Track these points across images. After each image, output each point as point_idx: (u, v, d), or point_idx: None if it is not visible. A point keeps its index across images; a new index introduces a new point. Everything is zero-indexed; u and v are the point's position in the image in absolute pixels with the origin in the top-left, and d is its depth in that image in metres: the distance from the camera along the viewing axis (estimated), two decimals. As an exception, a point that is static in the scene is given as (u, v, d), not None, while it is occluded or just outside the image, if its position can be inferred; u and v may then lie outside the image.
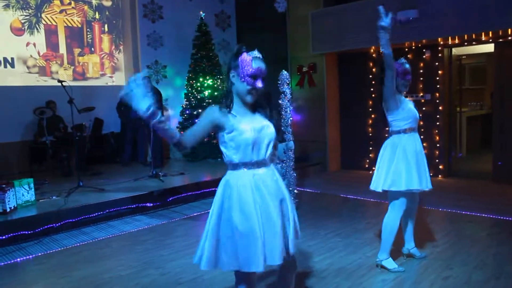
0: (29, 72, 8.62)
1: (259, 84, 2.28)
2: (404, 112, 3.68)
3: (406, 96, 3.85)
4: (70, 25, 9.15)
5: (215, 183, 6.81)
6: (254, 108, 2.38)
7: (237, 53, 2.32)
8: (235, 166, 2.31)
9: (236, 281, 2.41)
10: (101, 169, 8.15)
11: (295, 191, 6.05)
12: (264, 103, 2.41)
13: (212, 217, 2.35)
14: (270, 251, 2.22)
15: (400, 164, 3.61)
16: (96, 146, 8.94)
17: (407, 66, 3.71)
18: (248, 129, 2.25)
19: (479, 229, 4.87)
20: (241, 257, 2.23)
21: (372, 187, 3.77)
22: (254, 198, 2.25)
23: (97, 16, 9.55)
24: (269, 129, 2.34)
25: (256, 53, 2.35)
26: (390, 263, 3.77)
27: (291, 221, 2.37)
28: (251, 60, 2.28)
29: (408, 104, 3.74)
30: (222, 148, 2.36)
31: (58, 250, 4.74)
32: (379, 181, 3.69)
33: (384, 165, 3.71)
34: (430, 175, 3.81)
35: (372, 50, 8.32)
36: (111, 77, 9.71)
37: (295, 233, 2.40)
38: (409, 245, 4.03)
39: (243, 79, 2.27)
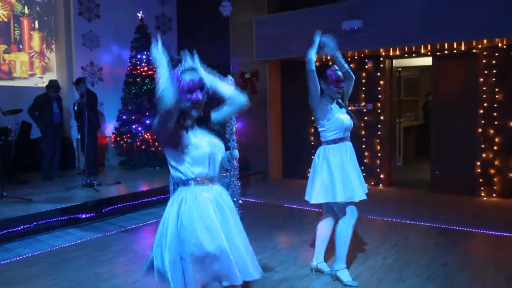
0: None
1: (198, 95, 2.13)
2: (330, 122, 3.60)
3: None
4: (-6, 19, 8.41)
5: (154, 192, 6.57)
6: (199, 123, 2.25)
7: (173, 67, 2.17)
8: (190, 183, 2.15)
9: None
10: (28, 178, 7.50)
11: (240, 201, 5.84)
12: (206, 117, 2.28)
13: (167, 237, 2.13)
14: (243, 267, 2.13)
15: (324, 176, 3.56)
16: (23, 152, 8.22)
17: (340, 73, 3.62)
18: (203, 143, 2.16)
19: (426, 239, 4.91)
20: (219, 273, 2.13)
21: (306, 197, 3.71)
22: (214, 212, 2.14)
23: (26, 10, 8.85)
24: (220, 144, 2.26)
25: (187, 65, 2.17)
26: (344, 275, 3.65)
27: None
28: (181, 74, 2.13)
29: (336, 114, 3.61)
30: (174, 163, 2.16)
31: (-25, 270, 4.20)
32: (310, 193, 3.65)
33: (312, 176, 3.68)
34: (365, 184, 3.70)
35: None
36: (41, 77, 9.02)
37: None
38: (318, 259, 3.91)
39: (181, 96, 2.11)
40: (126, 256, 4.53)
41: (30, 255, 4.62)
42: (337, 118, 3.60)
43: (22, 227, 5.19)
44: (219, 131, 2.32)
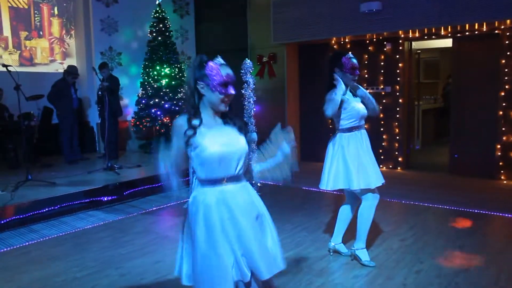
0: (-30, 56, 7.99)
1: (232, 91, 2.15)
2: (346, 111, 3.62)
3: (366, 89, 3.79)
4: (15, 5, 8.52)
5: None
6: (224, 117, 2.24)
7: (201, 63, 2.16)
8: (202, 183, 2.18)
9: None
10: (51, 161, 7.68)
11: (258, 184, 5.90)
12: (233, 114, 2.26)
13: (184, 233, 2.29)
14: (254, 266, 2.11)
15: (340, 164, 3.61)
16: (45, 137, 8.41)
17: (355, 61, 3.62)
18: (212, 144, 2.11)
19: (443, 221, 4.91)
20: (203, 277, 2.12)
21: (321, 186, 3.75)
22: (221, 216, 2.11)
23: (45, -3, 8.95)
24: (239, 143, 2.17)
25: (221, 60, 2.19)
26: (363, 254, 3.71)
27: (269, 237, 2.23)
28: (219, 68, 2.13)
29: (352, 103, 3.63)
30: (191, 162, 2.21)
31: (3, 250, 4.36)
32: (326, 181, 3.70)
33: (328, 164, 3.71)
34: (380, 171, 3.72)
35: (333, 42, 8.26)
36: (61, 63, 9.15)
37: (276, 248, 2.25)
38: (336, 240, 3.95)
39: (214, 89, 2.12)
40: (147, 237, 4.64)
41: (55, 236, 4.77)
42: (353, 107, 3.63)
43: (47, 209, 5.35)
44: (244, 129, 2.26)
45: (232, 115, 2.25)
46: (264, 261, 2.12)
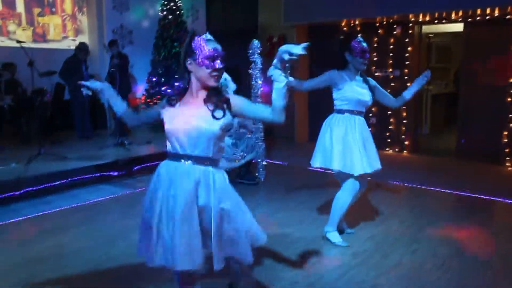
0: (-16, 31, 8.12)
1: (218, 65, 2.17)
2: (340, 92, 3.66)
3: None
4: (28, -18, 8.60)
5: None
6: (209, 97, 2.21)
7: (190, 40, 2.20)
8: (167, 155, 2.28)
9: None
10: (63, 137, 7.86)
11: (264, 163, 6.03)
12: (220, 96, 2.22)
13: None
14: (170, 252, 2.14)
15: (326, 142, 3.70)
16: (58, 113, 8.57)
17: (365, 44, 3.62)
18: (171, 120, 2.19)
19: (444, 205, 5.01)
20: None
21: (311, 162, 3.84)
22: (164, 190, 2.18)
23: (58, -27, 9.01)
24: (202, 125, 2.13)
25: (208, 36, 2.24)
26: (335, 237, 3.81)
27: (213, 234, 2.16)
28: (205, 42, 2.17)
29: (352, 86, 3.62)
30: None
31: (18, 220, 4.55)
32: (313, 158, 3.83)
33: (317, 142, 3.82)
34: (369, 160, 3.66)
35: (343, 24, 8.25)
36: (73, 40, 9.25)
37: (219, 247, 2.19)
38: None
39: (201, 63, 2.16)
40: (155, 211, 4.79)
41: (67, 207, 4.95)
42: (349, 89, 3.62)
43: (59, 182, 5.52)
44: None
45: (220, 96, 2.21)
46: (180, 252, 2.11)
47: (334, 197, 3.80)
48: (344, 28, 8.28)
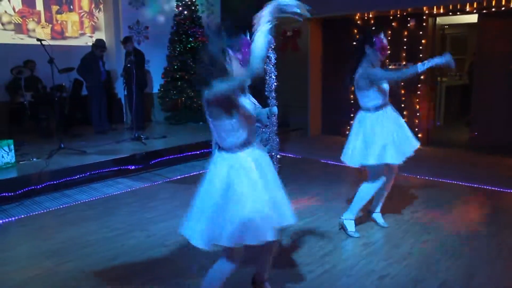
0: (4, 29, 8.31)
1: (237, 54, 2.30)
2: (373, 91, 3.72)
3: (388, 65, 3.89)
4: (47, -20, 8.78)
5: (198, 146, 6.95)
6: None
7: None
8: (234, 148, 2.39)
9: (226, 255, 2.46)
10: (81, 131, 8.05)
11: (278, 156, 6.11)
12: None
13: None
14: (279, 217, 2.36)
15: (358, 140, 3.78)
16: (76, 108, 8.77)
17: (386, 42, 3.74)
18: (246, 110, 2.33)
19: (456, 197, 5.04)
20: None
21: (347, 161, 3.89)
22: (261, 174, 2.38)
23: (75, -29, 9.18)
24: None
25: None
26: (350, 225, 3.91)
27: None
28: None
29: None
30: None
31: (41, 212, 4.73)
32: (349, 155, 3.86)
33: (353, 139, 3.86)
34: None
35: (357, 17, 8.27)
36: (91, 36, 9.43)
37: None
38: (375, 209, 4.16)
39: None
40: (172, 203, 4.93)
41: (86, 200, 5.12)
42: (380, 85, 3.73)
43: (78, 176, 5.70)
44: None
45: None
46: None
47: (359, 188, 3.90)
48: (358, 22, 8.29)
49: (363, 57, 3.75)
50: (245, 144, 2.35)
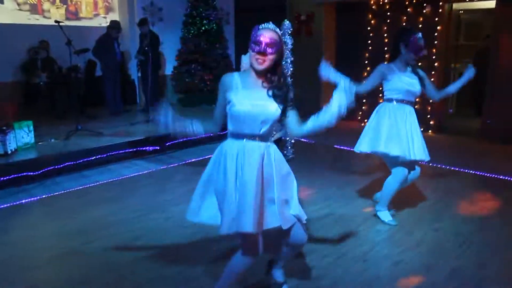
0: (20, 10, 8.38)
1: (259, 49, 2.27)
2: (390, 83, 3.79)
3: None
4: (61, -40, 8.79)
5: (211, 130, 7.02)
6: (269, 85, 2.36)
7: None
8: (229, 135, 2.44)
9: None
10: (96, 113, 8.15)
11: (292, 141, 6.19)
12: (284, 87, 2.36)
13: (203, 175, 2.57)
14: (239, 217, 2.33)
15: (372, 127, 3.89)
16: (90, 89, 8.86)
17: (422, 42, 3.67)
18: (241, 102, 2.31)
19: (466, 185, 5.11)
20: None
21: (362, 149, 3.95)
22: (237, 166, 2.37)
23: (90, -48, 9.18)
24: (269, 108, 2.33)
25: (268, 25, 2.34)
26: (385, 216, 4.00)
27: (276, 201, 2.42)
28: (257, 29, 2.32)
29: (401, 77, 3.74)
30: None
31: (62, 192, 4.86)
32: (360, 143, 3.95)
33: (369, 127, 3.95)
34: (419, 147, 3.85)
35: (372, 2, 8.23)
36: (104, 17, 9.48)
37: (281, 213, 2.44)
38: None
39: (250, 49, 2.33)
40: (188, 186, 4.98)
41: (104, 181, 5.24)
42: (398, 80, 3.74)
43: (96, 157, 5.82)
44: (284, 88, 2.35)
45: (278, 83, 2.35)
46: (251, 217, 2.30)
47: (386, 181, 3.96)
48: (373, 7, 8.25)
49: (397, 55, 3.76)
50: (234, 135, 2.43)
